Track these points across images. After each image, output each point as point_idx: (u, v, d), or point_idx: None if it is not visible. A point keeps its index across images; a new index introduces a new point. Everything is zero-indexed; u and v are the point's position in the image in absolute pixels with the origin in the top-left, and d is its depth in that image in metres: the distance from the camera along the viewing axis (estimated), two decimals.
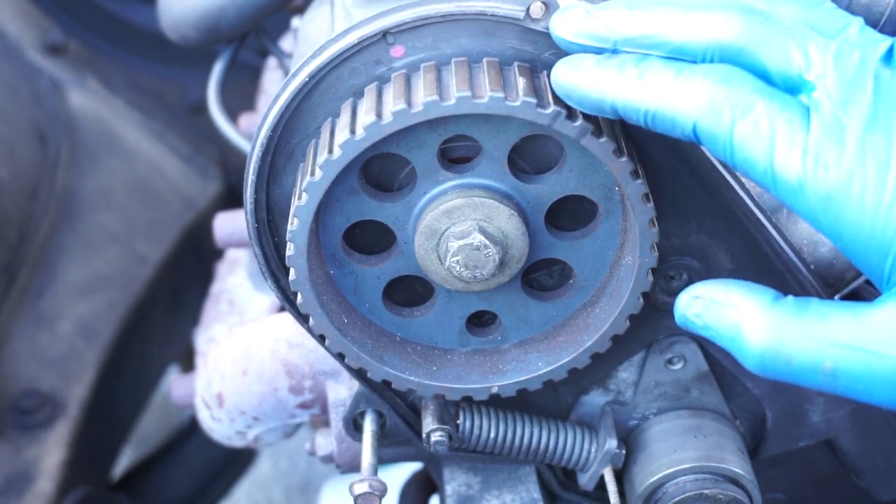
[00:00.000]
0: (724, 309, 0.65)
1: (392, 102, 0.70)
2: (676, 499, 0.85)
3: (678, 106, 0.64)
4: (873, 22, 0.70)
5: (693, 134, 0.64)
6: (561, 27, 0.69)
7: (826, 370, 0.60)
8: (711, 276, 0.83)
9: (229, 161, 1.89)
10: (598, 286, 0.80)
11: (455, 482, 0.93)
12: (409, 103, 0.70)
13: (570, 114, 0.70)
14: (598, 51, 0.67)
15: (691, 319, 0.67)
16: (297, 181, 0.76)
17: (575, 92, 0.68)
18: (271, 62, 1.54)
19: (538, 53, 0.73)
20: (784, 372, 0.62)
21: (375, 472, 0.84)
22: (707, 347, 0.87)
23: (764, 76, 0.63)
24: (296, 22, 1.21)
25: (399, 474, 1.10)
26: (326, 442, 0.98)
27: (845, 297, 0.91)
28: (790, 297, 0.64)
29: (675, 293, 0.84)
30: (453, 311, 0.81)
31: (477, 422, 0.87)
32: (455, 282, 0.77)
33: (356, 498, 0.82)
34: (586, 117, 0.71)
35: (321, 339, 0.80)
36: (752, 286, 0.65)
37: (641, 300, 0.78)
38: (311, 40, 0.87)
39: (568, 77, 0.68)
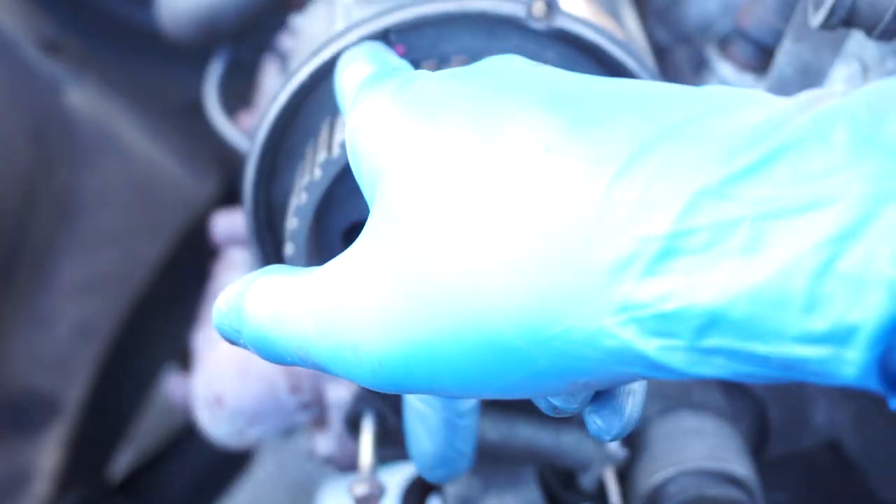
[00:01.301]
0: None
1: None
2: (678, 500, 0.85)
3: None
4: (876, 20, 0.68)
5: None
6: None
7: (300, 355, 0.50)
8: None
9: (228, 160, 1.88)
10: None
11: (455, 483, 0.93)
12: None
13: None
14: None
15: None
16: (297, 180, 0.75)
17: None
18: (269, 60, 1.54)
19: (540, 52, 0.72)
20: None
21: (375, 473, 0.84)
22: None
23: None
24: (295, 20, 1.21)
25: (399, 474, 1.09)
26: (326, 442, 0.98)
27: None
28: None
29: None
30: None
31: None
32: None
33: (356, 499, 0.81)
34: None
35: None
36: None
37: None
38: (310, 39, 0.86)
39: None
